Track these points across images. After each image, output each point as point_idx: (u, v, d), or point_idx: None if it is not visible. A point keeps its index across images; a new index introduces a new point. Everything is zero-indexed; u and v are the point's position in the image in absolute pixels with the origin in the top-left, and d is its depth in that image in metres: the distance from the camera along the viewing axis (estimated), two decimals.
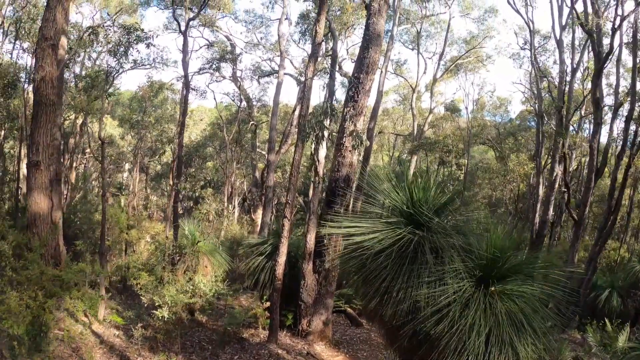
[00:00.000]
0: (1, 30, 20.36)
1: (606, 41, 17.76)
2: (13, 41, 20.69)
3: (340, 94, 31.27)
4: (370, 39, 11.00)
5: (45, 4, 12.78)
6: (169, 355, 10.62)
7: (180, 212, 26.55)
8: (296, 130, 25.90)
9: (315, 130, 10.20)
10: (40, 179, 8.52)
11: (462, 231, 6.36)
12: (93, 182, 32.86)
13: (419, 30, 30.79)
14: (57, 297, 8.15)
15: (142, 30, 17.14)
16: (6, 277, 6.98)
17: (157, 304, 10.76)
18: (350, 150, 11.11)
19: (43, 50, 8.20)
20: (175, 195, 17.77)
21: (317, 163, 10.99)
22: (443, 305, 5.63)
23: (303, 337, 12.36)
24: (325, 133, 10.24)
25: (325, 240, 11.82)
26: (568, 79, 23.37)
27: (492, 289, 5.86)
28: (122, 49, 16.36)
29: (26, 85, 18.69)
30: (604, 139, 24.63)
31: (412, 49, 32.80)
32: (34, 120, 8.46)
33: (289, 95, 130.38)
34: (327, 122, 10.46)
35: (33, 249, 7.87)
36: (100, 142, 15.72)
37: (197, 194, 35.09)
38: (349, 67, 36.68)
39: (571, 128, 26.00)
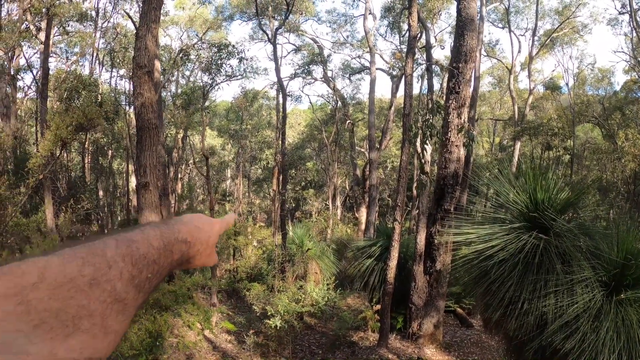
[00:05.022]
0: (97, 62, 22.19)
1: None
2: (110, 70, 22.43)
3: (434, 83, 30.26)
4: (464, 25, 10.20)
5: (133, 32, 13.54)
6: None
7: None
8: (393, 125, 25.59)
9: (423, 130, 9.63)
10: (150, 198, 8.88)
11: (588, 232, 5.63)
12: (198, 191, 34.62)
13: (507, 6, 28.94)
14: (172, 309, 8.44)
15: (233, 45, 17.61)
16: None
17: (269, 313, 10.90)
18: (457, 146, 10.45)
19: (139, 78, 8.50)
20: (282, 204, 18.07)
21: (424, 162, 10.42)
22: (571, 318, 5.03)
23: (413, 340, 11.98)
24: (434, 132, 9.63)
25: (435, 241, 11.29)
26: None
27: (623, 296, 5.16)
28: (214, 67, 16.90)
29: (127, 108, 20.14)
30: None
31: (502, 28, 31.06)
32: (139, 144, 8.83)
33: (382, 89, 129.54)
34: (433, 120, 9.84)
35: None
36: (203, 155, 16.34)
37: (298, 195, 35.74)
38: (438, 54, 35.36)
39: None
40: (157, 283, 0.63)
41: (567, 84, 32.71)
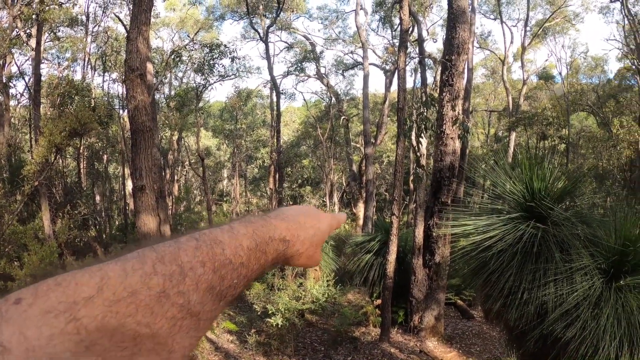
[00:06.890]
0: (89, 66, 22.16)
1: None
2: (102, 74, 22.39)
3: (428, 76, 30.39)
4: (455, 17, 10.23)
5: (124, 35, 13.59)
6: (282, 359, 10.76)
7: None
8: (388, 119, 25.62)
9: (418, 124, 9.65)
10: (147, 201, 8.88)
11: (586, 220, 5.65)
12: (195, 192, 34.56)
13: None
14: None
15: (225, 45, 17.60)
16: None
17: (270, 311, 10.92)
18: (452, 138, 10.50)
19: (132, 81, 8.48)
20: (279, 202, 18.10)
21: (419, 155, 10.45)
22: (571, 306, 5.05)
23: (415, 333, 12.05)
24: (428, 125, 9.68)
25: (434, 234, 11.33)
26: None
27: (622, 283, 5.17)
28: (207, 67, 16.89)
29: (121, 112, 20.17)
30: None
31: (494, 19, 31.27)
32: (134, 147, 8.82)
33: (376, 84, 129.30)
34: (427, 113, 9.88)
35: None
36: (198, 156, 16.33)
37: (295, 193, 35.75)
38: (431, 47, 35.65)
39: None
40: (243, 289, 0.54)
41: (560, 74, 32.88)
